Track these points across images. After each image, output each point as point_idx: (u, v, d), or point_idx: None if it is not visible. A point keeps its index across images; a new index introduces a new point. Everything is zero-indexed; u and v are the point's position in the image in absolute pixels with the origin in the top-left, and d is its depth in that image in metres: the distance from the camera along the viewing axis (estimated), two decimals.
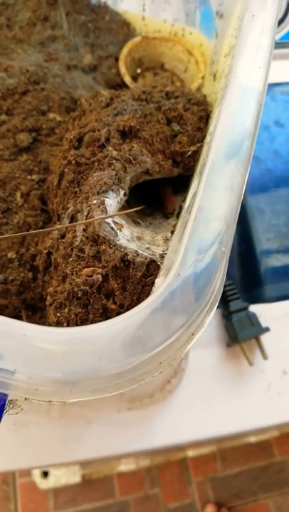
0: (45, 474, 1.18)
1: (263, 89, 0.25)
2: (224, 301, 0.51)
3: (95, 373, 0.17)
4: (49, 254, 0.31)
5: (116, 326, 0.17)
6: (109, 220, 0.28)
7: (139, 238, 0.28)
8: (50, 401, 0.17)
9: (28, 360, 0.16)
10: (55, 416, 0.44)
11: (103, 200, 0.27)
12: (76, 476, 1.18)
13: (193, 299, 0.18)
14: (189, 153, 0.34)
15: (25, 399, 0.17)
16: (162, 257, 0.26)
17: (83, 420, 0.45)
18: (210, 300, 0.18)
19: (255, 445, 1.26)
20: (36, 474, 1.17)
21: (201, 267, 0.18)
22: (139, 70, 0.54)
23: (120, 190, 0.29)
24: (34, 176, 0.39)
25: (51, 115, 0.42)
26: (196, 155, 0.35)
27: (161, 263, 0.25)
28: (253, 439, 1.24)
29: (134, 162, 0.32)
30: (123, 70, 0.50)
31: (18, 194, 0.38)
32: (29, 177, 0.39)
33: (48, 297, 0.30)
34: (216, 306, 0.19)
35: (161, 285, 0.18)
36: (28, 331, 0.17)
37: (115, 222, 0.29)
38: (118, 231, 0.27)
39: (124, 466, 1.20)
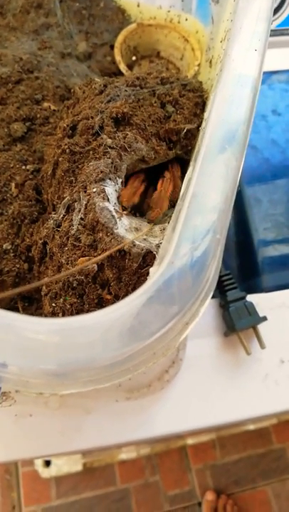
0: (47, 463, 1.19)
1: (259, 73, 0.24)
2: (222, 291, 0.51)
3: (88, 364, 0.16)
4: (44, 244, 0.31)
5: (109, 316, 0.17)
6: (110, 208, 0.28)
7: (136, 229, 0.28)
8: (41, 393, 0.16)
9: (19, 351, 0.16)
10: (54, 406, 0.44)
11: (103, 188, 0.27)
12: (78, 465, 1.20)
13: (188, 288, 0.18)
14: (184, 131, 0.33)
15: (16, 391, 0.17)
16: (158, 247, 0.25)
17: (82, 410, 0.45)
18: (204, 289, 0.18)
19: (254, 432, 1.27)
20: (38, 463, 1.18)
21: (196, 256, 0.18)
22: (134, 58, 0.53)
23: (117, 178, 0.29)
24: (29, 166, 0.38)
25: (45, 104, 0.42)
26: (192, 137, 0.34)
27: (156, 253, 0.25)
28: (251, 426, 1.25)
29: (129, 150, 0.31)
30: (118, 57, 0.49)
31: (13, 184, 0.38)
32: (24, 167, 0.39)
33: (44, 287, 0.30)
34: (211, 295, 0.19)
35: (155, 274, 0.18)
36: (19, 322, 0.17)
37: (116, 210, 0.28)
38: (118, 220, 0.27)
39: (125, 455, 1.21)
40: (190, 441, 1.25)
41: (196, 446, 1.26)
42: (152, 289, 0.17)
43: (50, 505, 1.16)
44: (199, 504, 1.20)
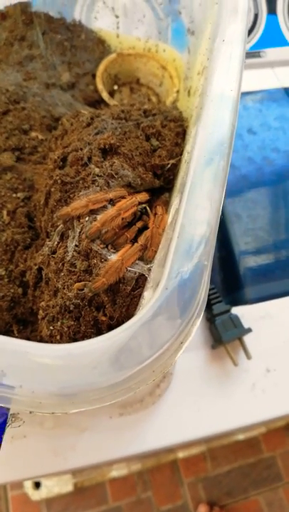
0: (37, 485, 1.17)
1: (236, 111, 0.27)
2: (207, 305, 0.53)
3: (93, 385, 0.18)
4: (40, 269, 0.33)
5: (110, 340, 0.19)
6: None
7: None
8: (53, 412, 0.18)
9: (31, 376, 0.18)
10: (49, 426, 0.45)
11: (95, 217, 0.29)
12: (68, 485, 1.18)
13: (181, 311, 0.19)
14: (169, 166, 0.36)
15: (30, 412, 0.18)
16: (150, 270, 0.27)
17: (76, 429, 0.46)
18: (196, 310, 0.20)
19: (244, 442, 1.28)
20: (28, 486, 1.16)
21: (187, 281, 0.20)
22: (116, 86, 0.56)
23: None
24: (19, 194, 0.40)
25: (33, 134, 0.44)
26: (175, 169, 0.37)
27: (148, 276, 0.27)
28: (241, 436, 1.27)
29: (116, 176, 0.33)
30: (100, 86, 0.52)
31: (5, 212, 0.39)
32: (14, 195, 0.40)
33: (40, 311, 0.31)
34: (202, 316, 0.21)
35: (151, 299, 0.20)
36: (30, 349, 0.18)
37: None
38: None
39: (116, 472, 1.21)
40: (181, 454, 1.25)
41: (187, 460, 1.26)
42: (149, 313, 0.19)
43: None
44: None
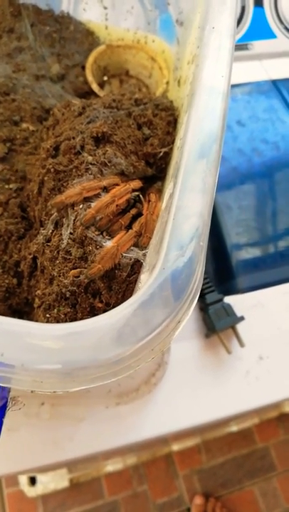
0: (33, 482, 1.17)
1: (227, 96, 0.27)
2: (200, 295, 0.53)
3: (93, 363, 0.18)
4: (34, 258, 0.33)
5: (110, 319, 0.19)
6: None
7: None
8: (54, 391, 0.18)
9: (31, 354, 0.18)
10: (45, 417, 0.45)
11: (89, 204, 0.29)
12: (64, 481, 1.18)
13: (178, 290, 0.20)
14: (161, 154, 0.36)
15: (32, 391, 0.18)
16: (145, 255, 0.27)
17: (73, 419, 0.46)
18: (192, 290, 0.20)
19: (237, 434, 1.30)
20: (23, 482, 1.16)
21: (183, 261, 0.20)
22: (105, 78, 0.56)
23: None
24: (11, 185, 0.40)
25: (24, 125, 0.43)
26: (167, 157, 0.37)
27: (143, 261, 0.27)
28: (234, 428, 1.28)
29: (109, 164, 0.33)
30: (90, 78, 0.52)
31: None
32: (6, 186, 0.40)
33: (36, 300, 0.31)
34: (198, 296, 0.21)
35: (149, 279, 0.20)
36: (30, 328, 0.18)
37: None
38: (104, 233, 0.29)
39: (111, 466, 1.21)
40: (175, 447, 1.26)
41: (181, 452, 1.27)
42: (147, 292, 0.20)
43: None
44: (188, 510, 1.21)
